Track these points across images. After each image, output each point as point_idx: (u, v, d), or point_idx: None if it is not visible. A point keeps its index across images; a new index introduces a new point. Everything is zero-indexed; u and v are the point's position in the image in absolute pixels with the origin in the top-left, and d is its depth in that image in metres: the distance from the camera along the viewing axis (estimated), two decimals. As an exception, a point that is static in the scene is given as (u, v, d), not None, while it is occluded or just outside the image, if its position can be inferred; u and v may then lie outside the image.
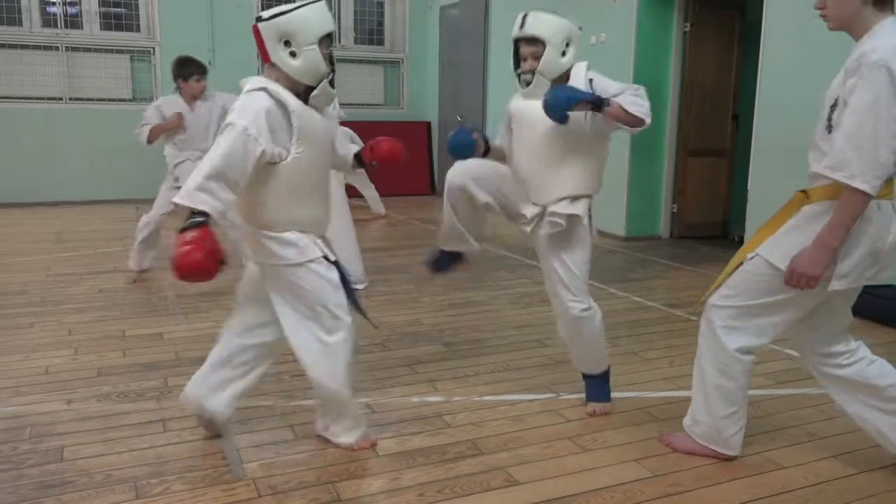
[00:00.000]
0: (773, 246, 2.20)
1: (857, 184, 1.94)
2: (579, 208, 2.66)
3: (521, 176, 2.71)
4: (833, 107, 2.07)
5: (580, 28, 2.71)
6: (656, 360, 3.46)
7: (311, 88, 2.24)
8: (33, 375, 3.15)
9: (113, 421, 2.70)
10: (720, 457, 2.42)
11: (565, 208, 2.64)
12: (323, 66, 2.24)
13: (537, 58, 2.58)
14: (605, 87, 2.59)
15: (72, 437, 2.55)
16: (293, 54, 2.16)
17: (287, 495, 2.20)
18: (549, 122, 2.50)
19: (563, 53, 2.59)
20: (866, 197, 1.97)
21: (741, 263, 2.28)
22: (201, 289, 4.68)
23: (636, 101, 2.53)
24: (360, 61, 9.76)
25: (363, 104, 9.64)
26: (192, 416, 2.72)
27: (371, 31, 10.12)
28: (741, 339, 2.29)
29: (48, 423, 2.66)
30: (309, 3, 2.19)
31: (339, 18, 9.90)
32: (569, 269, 2.68)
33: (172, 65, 4.80)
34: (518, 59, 2.66)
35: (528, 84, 2.61)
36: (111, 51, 8.70)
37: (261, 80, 2.20)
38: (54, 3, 8.49)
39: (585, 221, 2.70)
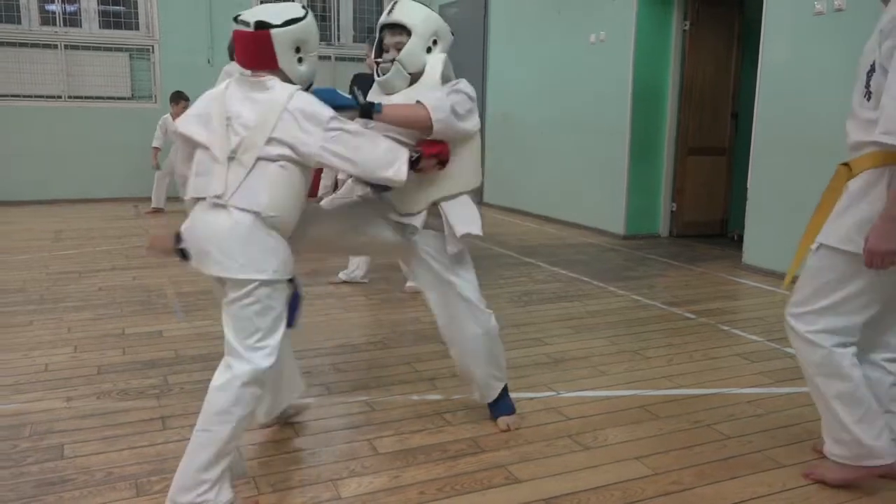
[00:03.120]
0: (832, 230, 2.08)
1: None
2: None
3: None
4: (869, 72, 1.98)
5: (453, 34, 2.53)
6: (656, 359, 3.46)
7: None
8: (33, 373, 3.15)
9: (113, 419, 2.69)
10: (875, 472, 2.23)
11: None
12: (314, 74, 2.25)
13: (400, 48, 2.40)
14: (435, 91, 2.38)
15: (72, 435, 2.55)
16: (300, 60, 2.17)
17: (288, 493, 2.20)
18: None
19: (429, 49, 2.42)
20: None
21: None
22: (199, 286, 4.69)
23: (436, 101, 2.31)
24: (359, 59, 9.74)
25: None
26: (192, 414, 2.72)
27: (370, 30, 10.11)
28: (834, 336, 2.15)
29: (48, 421, 2.66)
30: (308, 13, 2.19)
31: (337, 16, 9.90)
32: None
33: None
34: (381, 50, 2.48)
35: (385, 73, 2.41)
36: (110, 49, 8.70)
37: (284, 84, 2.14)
38: (53, 2, 8.48)
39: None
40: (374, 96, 2.49)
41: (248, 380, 2.03)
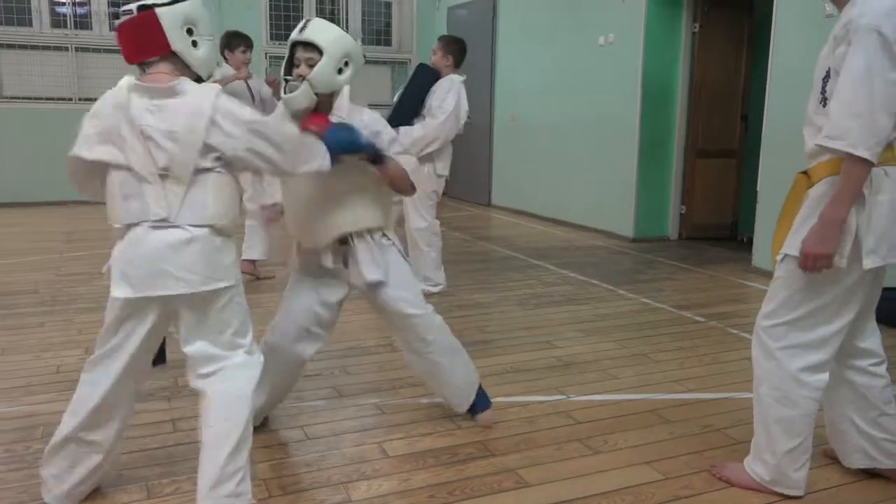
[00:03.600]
0: (794, 240, 2.07)
1: (860, 151, 1.87)
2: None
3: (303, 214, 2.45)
4: (825, 78, 2.01)
5: (365, 57, 2.50)
6: (666, 362, 3.46)
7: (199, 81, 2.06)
8: (45, 374, 3.17)
9: (124, 421, 2.70)
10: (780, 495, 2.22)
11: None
12: (214, 61, 2.12)
13: (311, 66, 2.31)
14: (380, 132, 2.42)
15: (83, 437, 2.55)
16: (195, 44, 2.01)
17: (298, 496, 2.21)
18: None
19: (340, 71, 2.35)
20: (868, 165, 1.90)
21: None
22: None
23: (412, 165, 2.45)
24: (368, 62, 9.73)
25: (370, 104, 9.66)
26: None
27: (378, 32, 10.14)
28: (804, 356, 2.11)
29: (60, 423, 2.66)
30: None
31: (346, 19, 9.92)
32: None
33: (221, 38, 4.97)
34: (291, 67, 2.38)
35: (294, 91, 2.32)
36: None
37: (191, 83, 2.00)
38: (64, 4, 8.53)
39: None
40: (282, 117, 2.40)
41: (243, 366, 2.05)
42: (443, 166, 4.57)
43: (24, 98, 8.40)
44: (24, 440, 2.53)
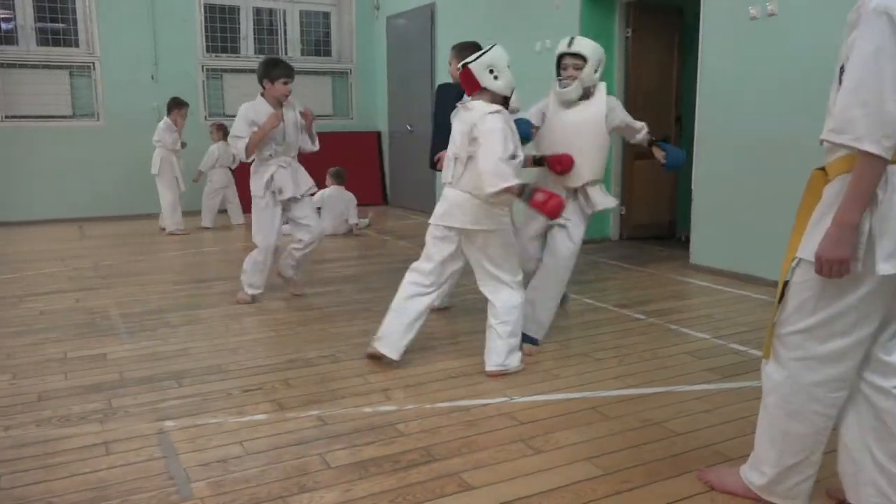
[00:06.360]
0: (808, 242, 1.86)
1: (865, 146, 1.68)
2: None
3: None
4: (842, 69, 1.80)
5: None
6: (606, 360, 3.50)
7: (507, 99, 3.21)
8: (-31, 403, 3.03)
9: (53, 446, 2.60)
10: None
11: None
12: (513, 81, 3.21)
13: (578, 69, 3.50)
14: (624, 117, 3.75)
15: (9, 465, 2.45)
16: (496, 77, 3.13)
17: (236, 513, 2.15)
18: (582, 129, 3.64)
19: (596, 71, 3.52)
20: (879, 161, 1.70)
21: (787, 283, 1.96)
22: (146, 307, 4.58)
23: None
24: (308, 72, 9.67)
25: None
26: (137, 437, 2.65)
27: (318, 42, 10.09)
28: (819, 370, 1.91)
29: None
30: (494, 46, 3.20)
31: (284, 30, 9.83)
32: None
33: (259, 66, 4.44)
34: (559, 69, 3.57)
35: (567, 87, 3.53)
36: (49, 67, 8.48)
37: (487, 104, 3.15)
38: (-13, 20, 8.24)
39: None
40: (553, 105, 3.68)
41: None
42: None
43: (-54, 117, 8.07)
44: (-55, 471, 2.41)
